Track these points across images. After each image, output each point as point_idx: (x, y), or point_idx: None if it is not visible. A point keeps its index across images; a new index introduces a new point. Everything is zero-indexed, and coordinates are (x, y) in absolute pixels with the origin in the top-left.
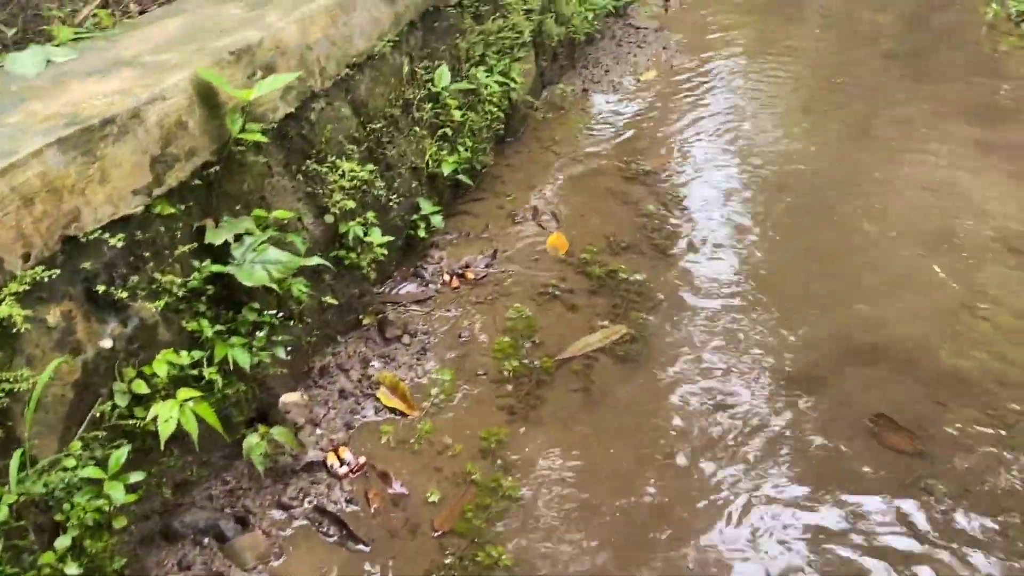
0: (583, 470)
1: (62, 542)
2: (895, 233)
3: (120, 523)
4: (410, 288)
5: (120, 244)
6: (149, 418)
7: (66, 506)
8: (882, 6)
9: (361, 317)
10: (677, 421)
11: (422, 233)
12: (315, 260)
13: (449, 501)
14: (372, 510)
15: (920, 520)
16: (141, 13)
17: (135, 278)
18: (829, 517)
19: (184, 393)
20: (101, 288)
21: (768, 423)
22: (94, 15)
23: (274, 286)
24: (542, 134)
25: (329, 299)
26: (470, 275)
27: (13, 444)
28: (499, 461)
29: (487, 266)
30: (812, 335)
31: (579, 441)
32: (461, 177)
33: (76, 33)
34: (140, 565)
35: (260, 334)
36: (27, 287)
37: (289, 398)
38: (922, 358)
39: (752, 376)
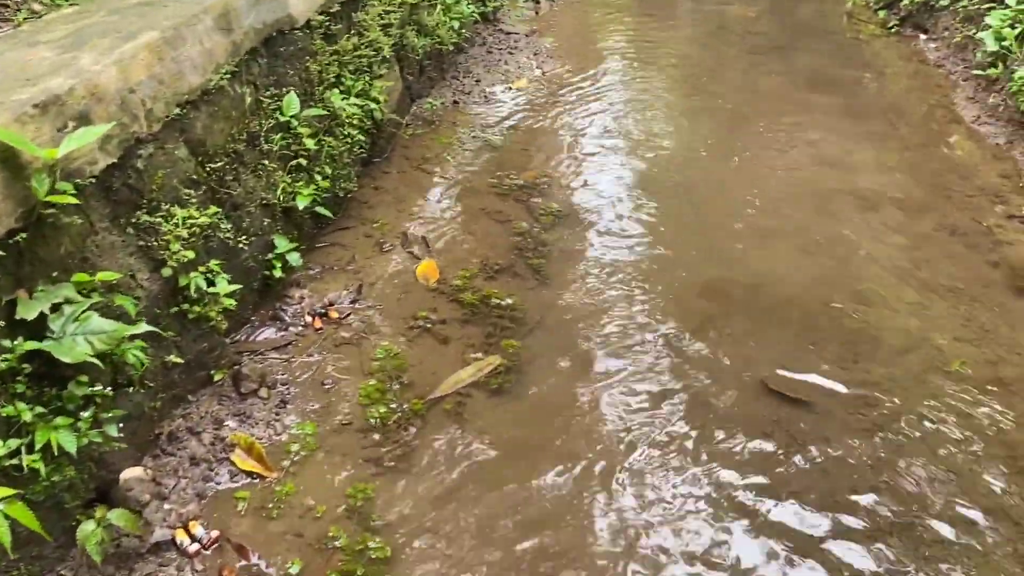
0: (456, 520)
1: None
2: (772, 197)
3: None
4: (268, 333)
5: None
6: None
7: None
8: (750, 1)
9: (212, 373)
10: (555, 454)
11: (279, 273)
12: (143, 327)
13: (311, 571)
14: None
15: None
16: None
17: None
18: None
19: None
20: None
21: (651, 437)
22: None
23: (96, 361)
24: (412, 152)
25: (174, 358)
26: (334, 314)
27: None
28: (366, 520)
29: (352, 302)
30: (689, 313)
31: (452, 487)
32: (319, 209)
33: None
34: None
35: (86, 414)
36: None
37: (130, 473)
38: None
39: (627, 391)
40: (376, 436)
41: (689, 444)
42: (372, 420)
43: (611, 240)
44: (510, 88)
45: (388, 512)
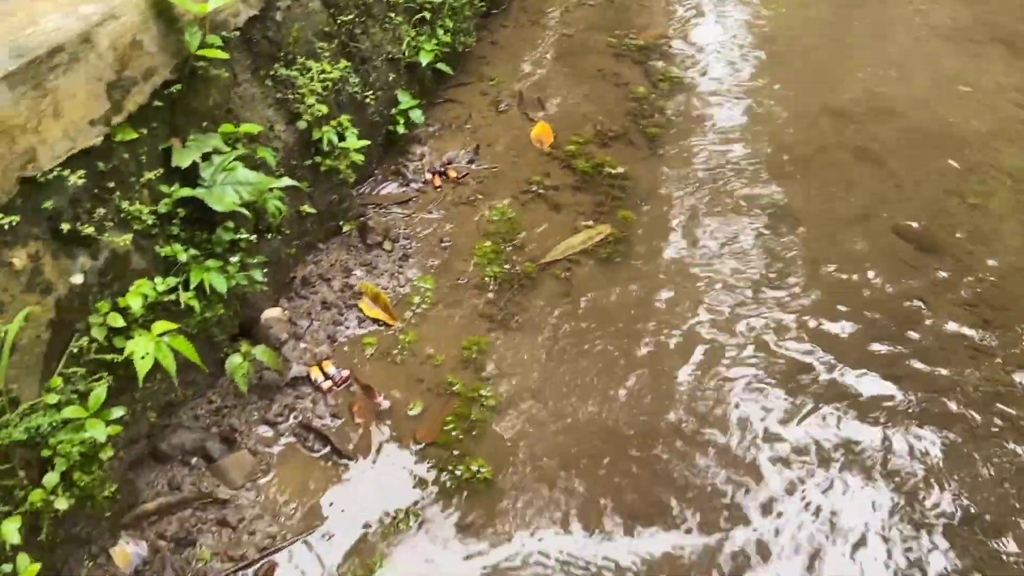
0: (559, 376)
1: (50, 478)
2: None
3: (107, 453)
4: (391, 188)
5: (82, 180)
6: (126, 353)
7: (52, 442)
8: None
9: (341, 223)
10: (657, 323)
11: (401, 129)
12: (285, 181)
13: (431, 413)
14: (356, 424)
15: None
16: None
17: (101, 210)
18: None
19: (160, 326)
20: (66, 226)
21: (759, 335)
22: None
23: (243, 210)
24: (529, 4)
25: (308, 208)
26: (452, 173)
27: None
28: (479, 370)
29: (469, 163)
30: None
31: (558, 347)
32: (440, 65)
33: None
34: (131, 488)
35: (234, 259)
36: None
37: (270, 314)
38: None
39: (740, 264)
40: (490, 295)
41: (795, 316)
42: (487, 279)
43: (730, 109)
44: None
45: (499, 364)
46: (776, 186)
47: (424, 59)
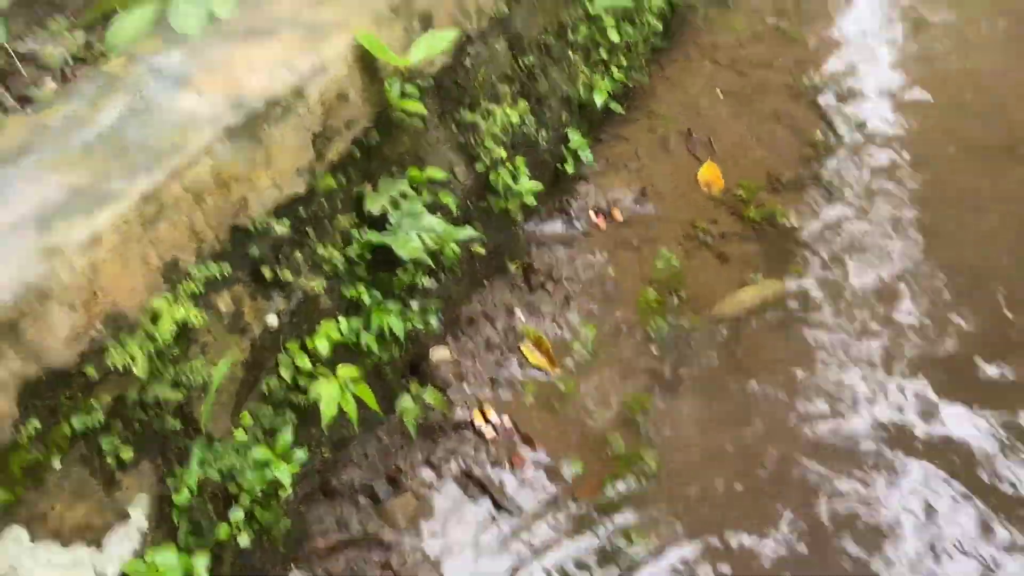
0: (726, 449)
1: (236, 515)
2: None
3: (287, 492)
4: (555, 226)
5: (286, 228)
6: (312, 396)
7: (239, 480)
8: None
9: (507, 262)
10: (831, 398)
11: (570, 168)
12: (468, 232)
13: (590, 472)
14: (516, 475)
15: None
16: None
17: (299, 255)
18: None
19: (344, 371)
20: (268, 272)
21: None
22: None
23: (426, 258)
24: (702, 39)
25: (478, 248)
26: (617, 214)
27: (190, 429)
28: (640, 431)
29: (635, 204)
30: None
31: (726, 415)
32: (612, 105)
33: None
34: (302, 523)
35: (415, 304)
36: (201, 287)
37: (439, 354)
38: None
39: (916, 355)
40: (653, 349)
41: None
42: (650, 331)
43: (920, 161)
44: None
45: (661, 426)
46: (972, 249)
47: (599, 99)
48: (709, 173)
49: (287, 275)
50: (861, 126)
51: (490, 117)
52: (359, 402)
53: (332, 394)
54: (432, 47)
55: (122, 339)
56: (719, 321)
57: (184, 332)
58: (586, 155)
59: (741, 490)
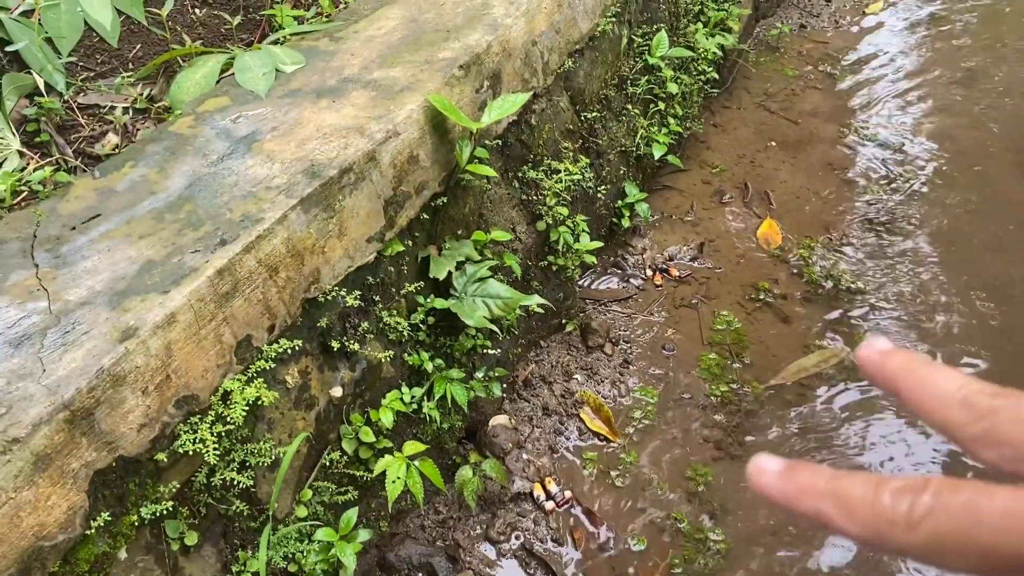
0: (796, 525)
1: None
2: None
3: (348, 573)
4: (611, 283)
5: (356, 300)
6: (376, 472)
7: (301, 563)
8: None
9: (564, 322)
10: (898, 471)
11: (626, 223)
12: (536, 299)
13: (655, 551)
14: (578, 552)
15: None
16: None
17: (365, 324)
18: None
19: (409, 447)
20: (335, 343)
21: None
22: None
23: (492, 326)
24: (753, 85)
25: (537, 309)
26: (674, 271)
27: (255, 511)
28: (706, 506)
29: (692, 260)
30: None
31: None
32: (671, 159)
33: (299, 25)
34: None
35: (479, 374)
36: (272, 363)
37: (497, 421)
38: None
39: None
40: (716, 417)
41: None
42: (712, 398)
43: (981, 214)
44: (864, 12)
45: (728, 502)
46: None
47: (658, 152)
48: (768, 229)
49: (353, 345)
50: (919, 176)
51: (553, 175)
52: (422, 476)
53: (398, 472)
54: (504, 110)
55: (193, 423)
56: (782, 388)
57: (253, 411)
58: (643, 209)
59: (812, 570)
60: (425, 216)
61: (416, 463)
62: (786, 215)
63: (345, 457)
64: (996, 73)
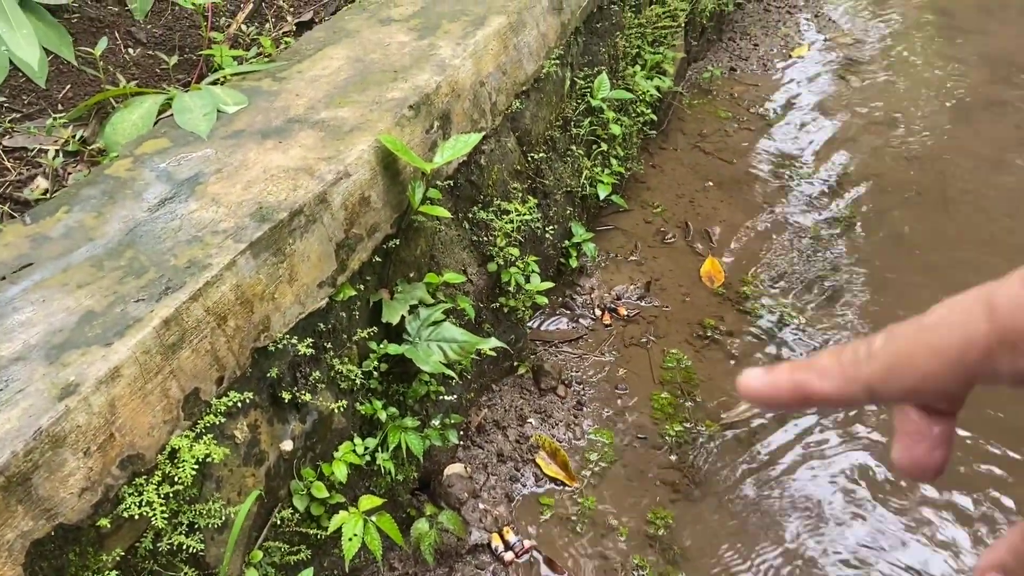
0: (756, 566)
1: None
2: None
3: None
4: (560, 323)
5: (309, 348)
6: (331, 529)
7: None
8: None
9: (516, 364)
10: (851, 502)
11: (574, 263)
12: (493, 343)
13: None
14: None
15: None
16: (298, 26)
17: (317, 373)
18: None
19: (365, 503)
20: (286, 394)
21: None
22: (254, 39)
23: (448, 371)
24: (688, 126)
25: (488, 351)
26: (622, 311)
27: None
28: (668, 551)
29: (639, 299)
30: None
31: (747, 529)
32: (616, 199)
33: (239, 65)
34: None
35: (435, 422)
36: (221, 417)
37: (452, 470)
38: None
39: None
40: (672, 457)
41: None
42: (667, 437)
43: (911, 245)
44: (789, 56)
45: (689, 545)
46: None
47: (603, 192)
48: (710, 267)
49: (304, 396)
50: (848, 220)
51: (503, 215)
52: (379, 532)
53: (355, 529)
54: (457, 151)
55: (139, 484)
56: (734, 425)
57: (202, 469)
58: (589, 249)
59: None
60: (377, 259)
61: (373, 518)
62: (727, 253)
63: (297, 515)
64: (917, 114)
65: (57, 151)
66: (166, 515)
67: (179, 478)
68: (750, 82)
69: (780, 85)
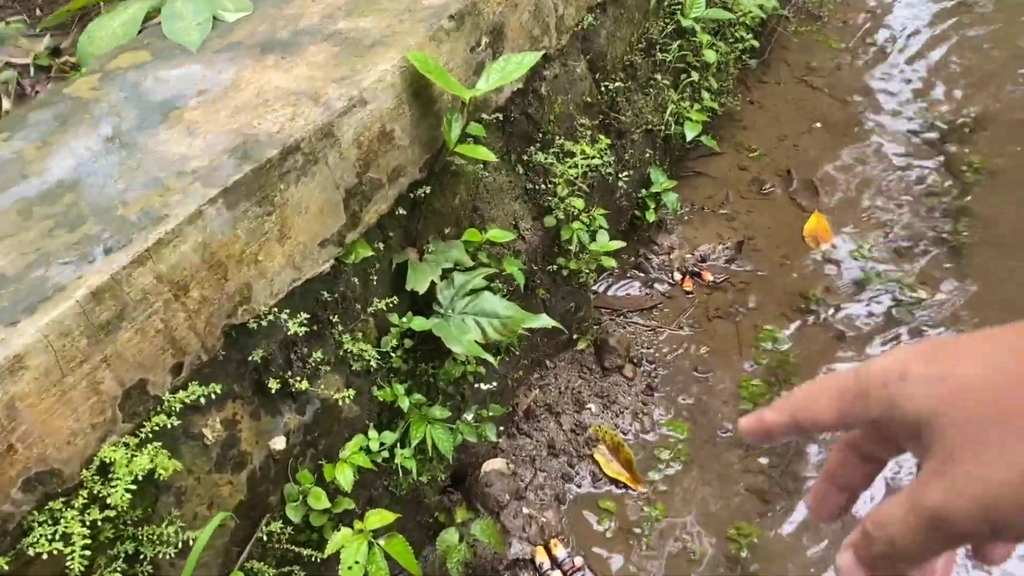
0: None
1: None
2: None
3: None
4: (631, 289)
5: (303, 326)
6: (328, 552)
7: None
8: None
9: (575, 337)
10: None
11: (651, 216)
12: (545, 320)
13: None
14: None
15: None
16: None
17: (319, 354)
18: None
19: (374, 519)
20: (275, 383)
21: None
22: None
23: (488, 356)
24: (793, 57)
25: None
26: (707, 276)
27: None
28: (751, 573)
29: (729, 262)
30: None
31: None
32: (705, 140)
33: None
34: None
35: (467, 415)
36: (177, 417)
37: (492, 466)
38: None
39: None
40: (763, 459)
41: None
42: None
43: None
44: None
45: (775, 572)
46: None
47: (691, 132)
48: (816, 225)
49: (301, 383)
50: (991, 170)
51: (567, 158)
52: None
53: (356, 555)
54: (508, 74)
55: (53, 510)
56: None
57: (150, 483)
58: (671, 200)
59: None
60: (401, 211)
61: (381, 541)
62: (837, 209)
63: (290, 528)
64: None
65: (25, 65)
66: (88, 549)
67: (114, 501)
68: (866, 8)
69: (900, 12)
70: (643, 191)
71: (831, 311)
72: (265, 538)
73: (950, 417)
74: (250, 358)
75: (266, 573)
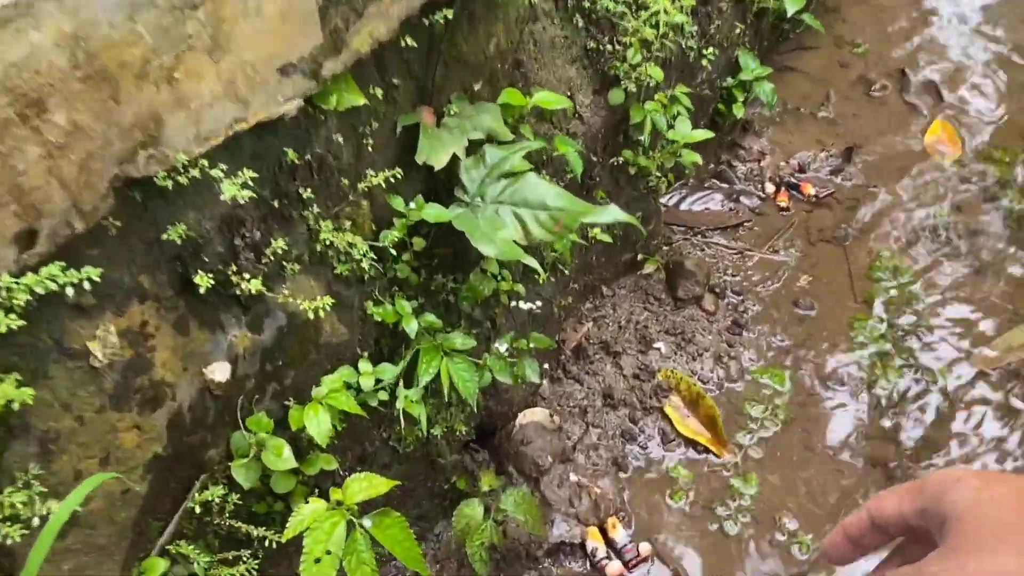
0: None
1: None
2: None
3: None
4: (712, 202)
5: (248, 189)
6: (288, 535)
7: None
8: None
9: (641, 258)
10: None
11: (737, 111)
12: (613, 213)
13: None
14: None
15: None
16: None
17: (281, 243)
18: None
19: (357, 488)
20: (205, 279)
21: None
22: None
23: (530, 261)
24: None
25: (601, 235)
26: (808, 189)
27: None
28: None
29: (834, 172)
30: None
31: None
32: (807, 18)
33: None
34: None
35: (500, 345)
36: (24, 319)
37: (530, 417)
38: None
39: None
40: (885, 422)
41: None
42: (880, 388)
43: None
44: None
45: None
46: None
47: (792, 5)
48: (940, 133)
49: (252, 282)
50: None
51: (641, 10)
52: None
53: (328, 542)
54: None
55: None
56: (984, 374)
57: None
58: (765, 92)
59: None
60: (410, 42)
61: (367, 522)
62: (969, 116)
63: (237, 495)
64: None
65: None
66: None
67: None
68: None
69: None
70: (729, 79)
71: (963, 235)
72: (199, 509)
73: (973, 517)
74: (165, 236)
75: (198, 561)
